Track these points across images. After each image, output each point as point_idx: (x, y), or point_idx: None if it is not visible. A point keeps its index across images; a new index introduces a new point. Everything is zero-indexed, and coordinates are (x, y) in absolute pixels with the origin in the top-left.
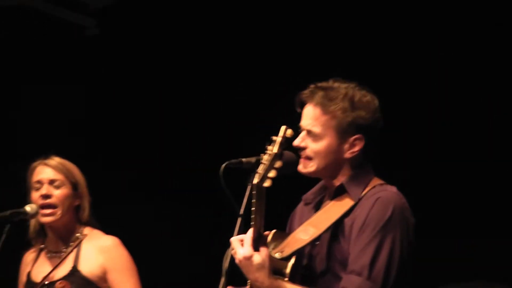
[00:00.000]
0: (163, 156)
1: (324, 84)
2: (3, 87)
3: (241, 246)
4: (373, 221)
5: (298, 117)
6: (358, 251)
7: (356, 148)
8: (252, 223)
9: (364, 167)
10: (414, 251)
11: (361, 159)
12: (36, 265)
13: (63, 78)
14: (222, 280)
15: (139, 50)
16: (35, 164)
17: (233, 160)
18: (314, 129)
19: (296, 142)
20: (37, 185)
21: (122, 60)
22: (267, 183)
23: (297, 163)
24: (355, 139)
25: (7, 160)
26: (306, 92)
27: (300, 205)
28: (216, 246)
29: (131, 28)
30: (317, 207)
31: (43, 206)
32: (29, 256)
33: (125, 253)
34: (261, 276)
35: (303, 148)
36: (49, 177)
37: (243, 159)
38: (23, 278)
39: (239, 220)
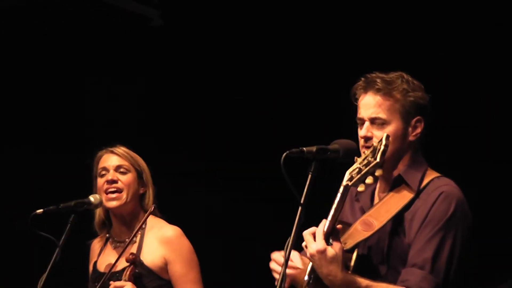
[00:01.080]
0: (224, 146)
1: (373, 74)
2: (68, 79)
3: (313, 240)
4: (437, 216)
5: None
6: (421, 245)
7: (419, 130)
8: (329, 217)
9: (419, 154)
10: (470, 246)
11: (419, 144)
12: (102, 255)
13: (127, 69)
14: (282, 269)
15: (203, 40)
16: (101, 152)
17: (294, 149)
18: (380, 115)
19: (363, 134)
20: (103, 172)
21: (186, 51)
22: (361, 188)
23: (356, 151)
24: (417, 121)
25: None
26: (360, 83)
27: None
28: (277, 235)
29: (195, 18)
30: (371, 197)
31: (109, 191)
32: (96, 244)
33: (187, 244)
34: (334, 270)
35: (369, 138)
36: (115, 164)
37: (304, 148)
38: (90, 267)
39: (300, 209)
